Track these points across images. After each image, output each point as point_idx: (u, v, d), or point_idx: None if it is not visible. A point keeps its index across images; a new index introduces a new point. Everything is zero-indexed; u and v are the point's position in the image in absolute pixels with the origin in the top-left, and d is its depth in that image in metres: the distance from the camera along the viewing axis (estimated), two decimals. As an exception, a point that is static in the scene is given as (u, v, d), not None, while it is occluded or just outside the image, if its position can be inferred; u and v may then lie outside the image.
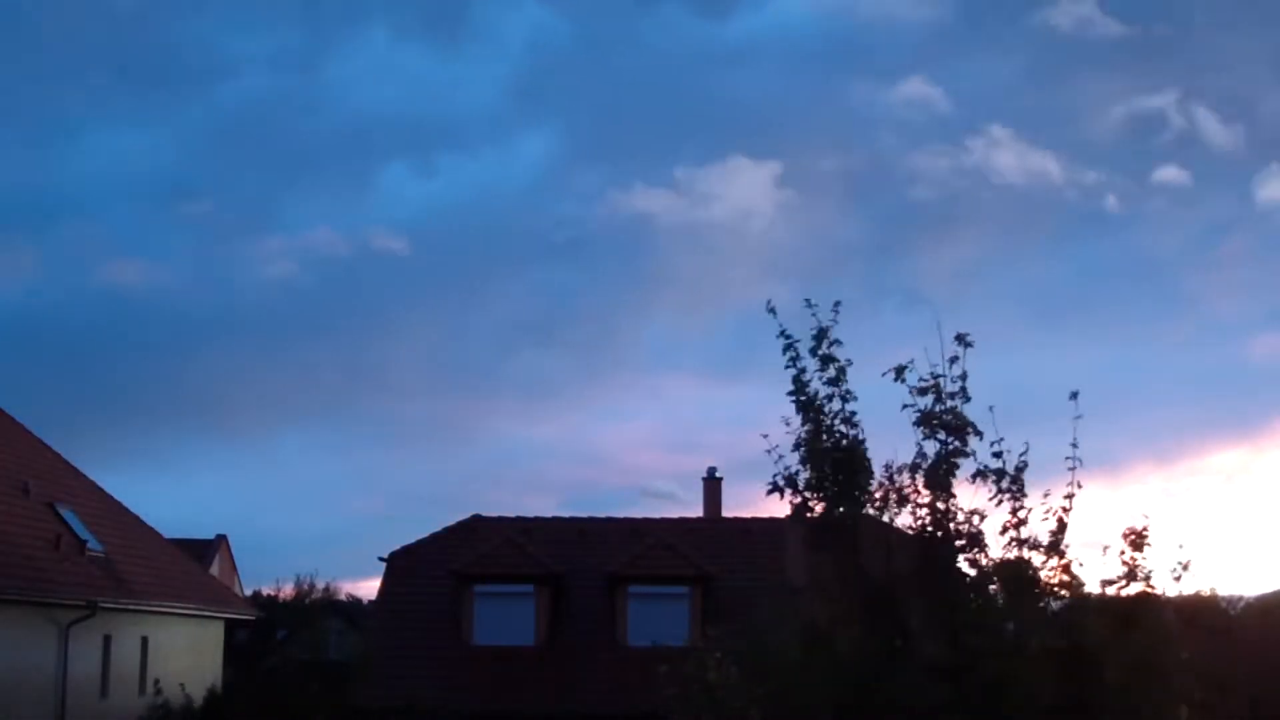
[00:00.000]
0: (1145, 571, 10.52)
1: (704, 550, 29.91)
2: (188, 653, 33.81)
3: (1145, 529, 10.60)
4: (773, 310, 11.05)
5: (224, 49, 79.58)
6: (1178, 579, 10.57)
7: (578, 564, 30.34)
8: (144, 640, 31.67)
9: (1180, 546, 10.64)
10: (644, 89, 78.76)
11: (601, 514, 32.85)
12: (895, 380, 10.78)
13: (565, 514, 32.91)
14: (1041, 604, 10.59)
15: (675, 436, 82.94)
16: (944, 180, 77.16)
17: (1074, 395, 10.72)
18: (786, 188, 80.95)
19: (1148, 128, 77.61)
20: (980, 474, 10.55)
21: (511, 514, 32.62)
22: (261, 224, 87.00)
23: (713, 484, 33.67)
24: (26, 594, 26.54)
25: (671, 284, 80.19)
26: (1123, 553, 10.59)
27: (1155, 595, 10.52)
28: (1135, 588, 10.51)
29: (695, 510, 33.79)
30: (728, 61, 76.77)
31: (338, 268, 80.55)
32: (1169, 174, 78.95)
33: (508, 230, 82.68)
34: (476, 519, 32.22)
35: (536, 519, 32.48)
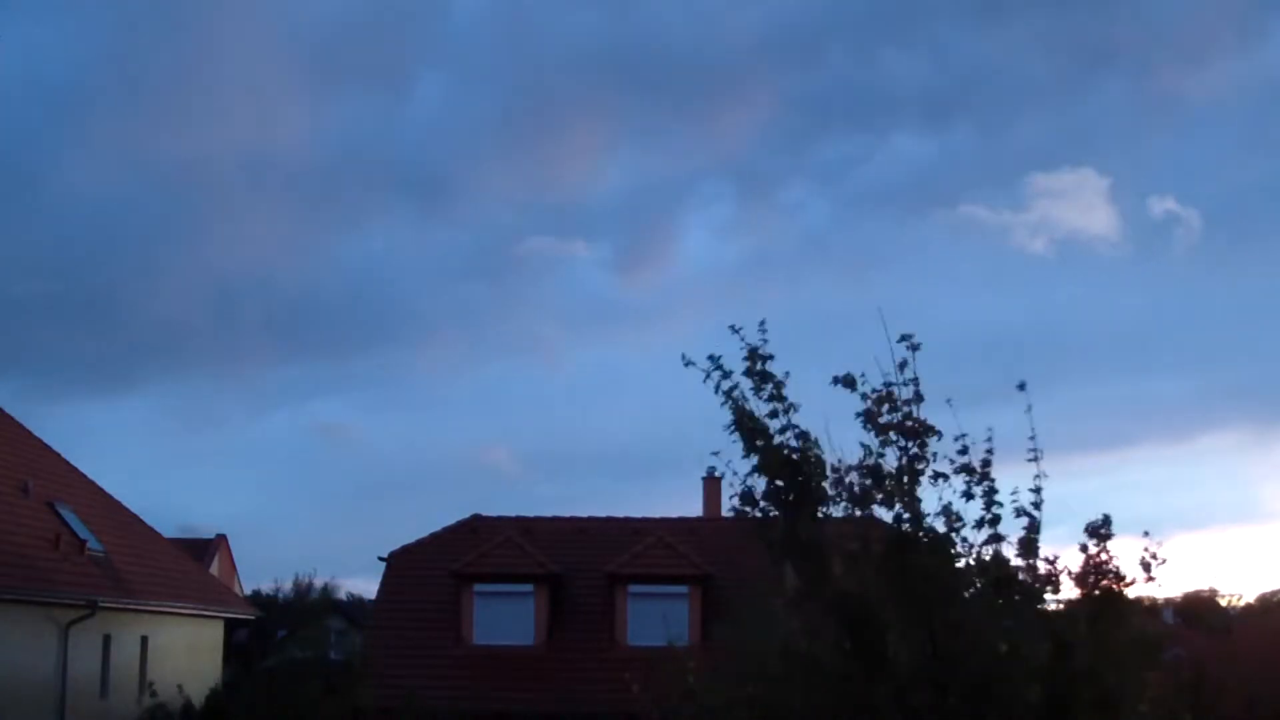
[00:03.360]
0: (1112, 567, 10.43)
1: (704, 550, 29.91)
2: (187, 652, 33.82)
3: (1107, 522, 10.52)
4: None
5: None
6: (1147, 569, 10.46)
7: (577, 563, 30.34)
8: (144, 640, 31.68)
9: (1146, 534, 10.56)
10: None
11: (602, 513, 32.89)
12: (843, 388, 10.53)
13: (565, 513, 32.96)
14: (1019, 604, 10.50)
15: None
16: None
17: (1022, 386, 10.55)
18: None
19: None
20: (940, 476, 10.33)
21: (512, 514, 32.65)
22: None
23: (713, 483, 33.64)
24: (26, 594, 26.56)
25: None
26: (1084, 547, 10.52)
27: (1122, 591, 10.42)
28: (1103, 585, 10.42)
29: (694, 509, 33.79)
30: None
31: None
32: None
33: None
34: (476, 518, 32.23)
35: (537, 518, 32.47)
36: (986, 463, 10.35)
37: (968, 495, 10.29)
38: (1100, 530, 10.46)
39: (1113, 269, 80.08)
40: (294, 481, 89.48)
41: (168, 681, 28.91)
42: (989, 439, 10.38)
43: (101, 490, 35.28)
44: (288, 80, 75.64)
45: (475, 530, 31.61)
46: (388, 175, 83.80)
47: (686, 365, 10.83)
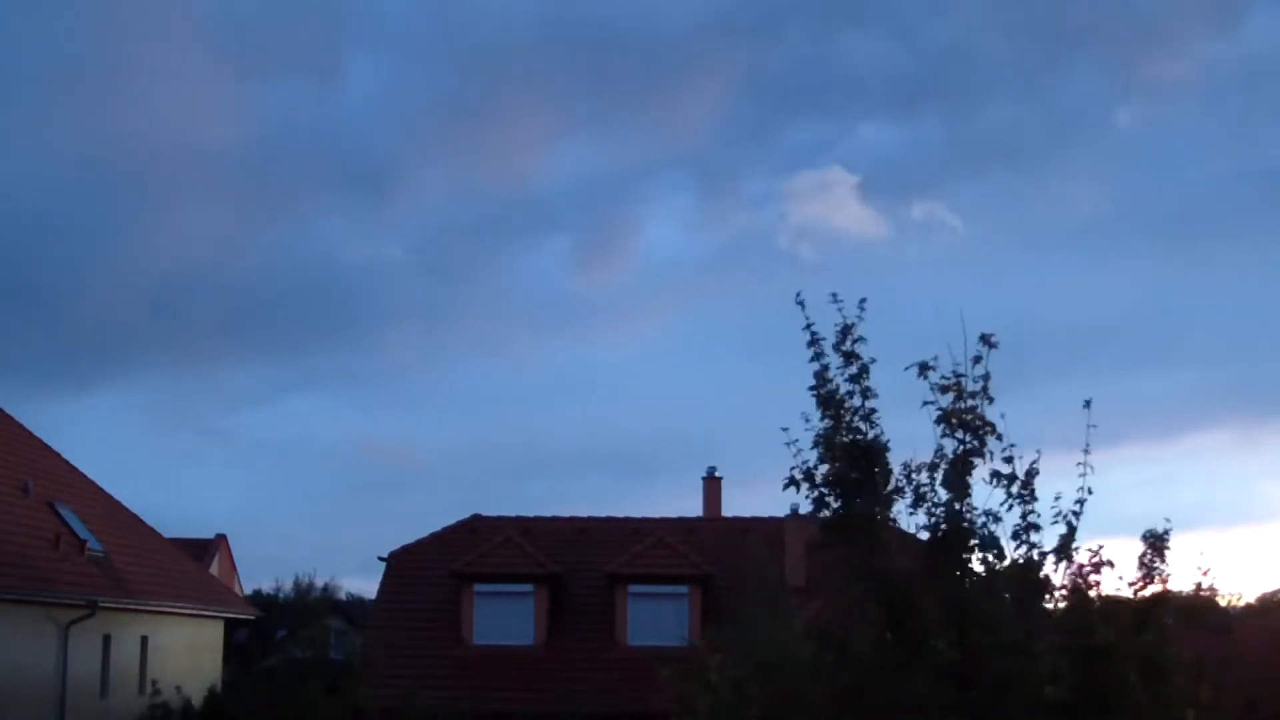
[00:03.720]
0: (1165, 575, 10.50)
1: (704, 550, 29.91)
2: (187, 652, 33.81)
3: (1167, 533, 10.57)
4: (801, 303, 10.99)
5: None
6: (1199, 586, 10.57)
7: (577, 563, 30.34)
8: (144, 640, 31.66)
9: (1201, 553, 10.66)
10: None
11: (602, 513, 32.90)
12: (919, 377, 10.71)
13: (565, 513, 32.96)
14: (1050, 606, 10.56)
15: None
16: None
17: (1087, 404, 10.65)
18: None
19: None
20: (995, 475, 10.50)
21: (512, 514, 32.65)
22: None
23: (713, 483, 33.65)
24: (26, 593, 26.54)
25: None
26: (1143, 555, 10.56)
27: (1167, 597, 10.50)
28: (1152, 589, 10.48)
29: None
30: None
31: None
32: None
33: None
34: (476, 518, 32.24)
35: (537, 518, 32.48)
36: (1031, 474, 10.44)
37: (1008, 504, 10.39)
38: (1158, 540, 10.53)
39: (1097, 259, 78.40)
40: (274, 481, 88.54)
41: (168, 681, 28.96)
42: (1038, 454, 10.51)
43: (101, 490, 35.27)
44: (213, 66, 72.45)
45: (475, 530, 31.62)
46: (328, 165, 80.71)
47: (798, 301, 10.92)
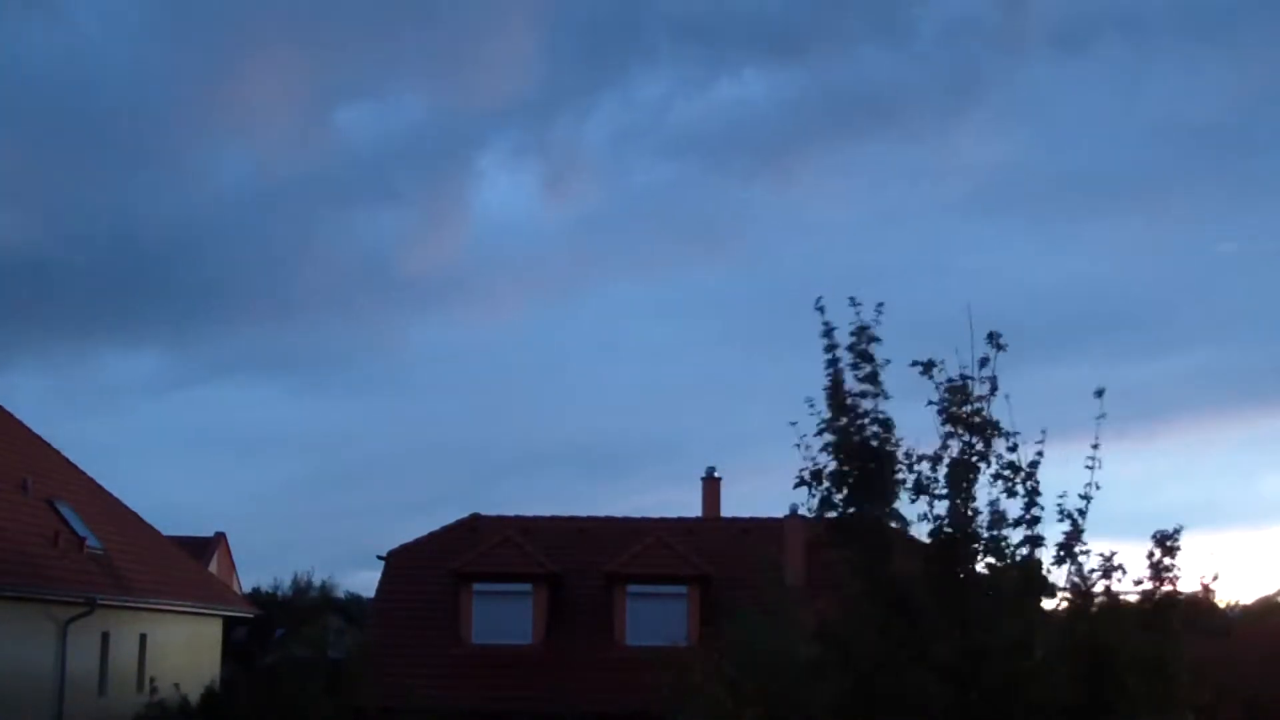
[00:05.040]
0: (1174, 576, 10.44)
1: (703, 550, 29.91)
2: (186, 650, 33.78)
3: (1177, 533, 10.52)
4: (821, 308, 10.89)
5: None
6: (1207, 586, 10.52)
7: (576, 563, 30.35)
8: (142, 638, 31.64)
9: (1212, 554, 10.63)
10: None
11: (601, 513, 32.91)
12: (922, 375, 10.66)
13: (564, 513, 32.95)
14: (1053, 605, 10.53)
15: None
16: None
17: (1099, 393, 10.54)
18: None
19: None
20: (999, 475, 10.43)
21: (511, 513, 32.67)
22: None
23: (712, 484, 33.64)
24: (25, 591, 26.53)
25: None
26: (1151, 554, 10.50)
27: (1176, 598, 10.45)
28: (1162, 591, 10.44)
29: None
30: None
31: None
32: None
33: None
34: (476, 518, 32.24)
35: (536, 518, 32.49)
36: (1035, 463, 10.35)
37: (1010, 492, 10.31)
38: (1168, 541, 10.48)
39: (1046, 231, 72.95)
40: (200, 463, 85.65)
41: (166, 679, 28.98)
42: (1041, 439, 10.39)
43: (101, 488, 35.25)
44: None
45: (474, 529, 31.62)
46: (78, 118, 69.79)
47: (819, 309, 10.81)
